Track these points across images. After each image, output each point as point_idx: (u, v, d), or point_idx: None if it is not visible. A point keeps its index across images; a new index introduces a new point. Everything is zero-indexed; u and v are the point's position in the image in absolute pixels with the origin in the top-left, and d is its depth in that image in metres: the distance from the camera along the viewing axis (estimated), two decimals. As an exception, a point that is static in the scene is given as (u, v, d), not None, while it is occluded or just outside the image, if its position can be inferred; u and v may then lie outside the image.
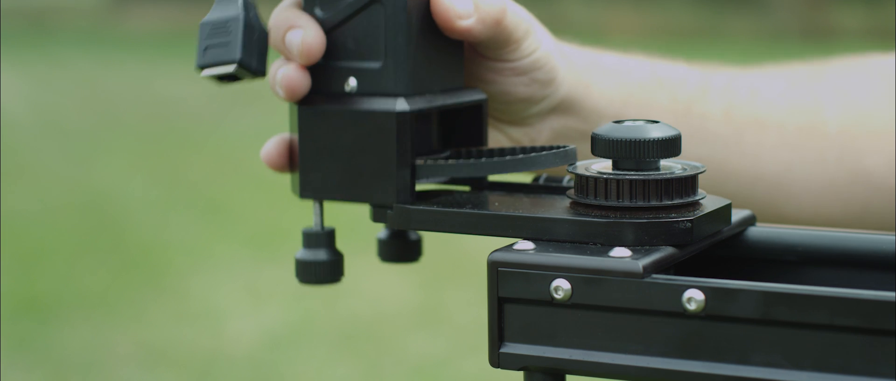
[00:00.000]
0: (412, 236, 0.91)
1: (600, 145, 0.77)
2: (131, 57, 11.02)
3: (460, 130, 0.87)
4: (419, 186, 0.83)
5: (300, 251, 0.86)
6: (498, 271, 0.73)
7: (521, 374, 0.76)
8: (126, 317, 4.13)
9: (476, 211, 0.79)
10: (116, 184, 6.06)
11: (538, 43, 0.90)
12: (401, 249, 0.91)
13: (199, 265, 4.65)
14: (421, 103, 0.81)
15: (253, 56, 0.80)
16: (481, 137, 0.87)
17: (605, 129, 0.77)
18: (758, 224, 0.83)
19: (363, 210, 0.90)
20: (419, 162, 0.82)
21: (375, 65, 0.81)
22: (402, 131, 0.80)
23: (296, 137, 0.85)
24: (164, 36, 12.77)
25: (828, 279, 0.80)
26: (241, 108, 8.32)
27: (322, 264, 0.85)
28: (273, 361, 3.72)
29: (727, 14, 11.83)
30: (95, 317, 4.13)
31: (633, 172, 0.76)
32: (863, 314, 0.66)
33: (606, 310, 0.71)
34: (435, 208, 0.80)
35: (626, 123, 0.77)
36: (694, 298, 0.69)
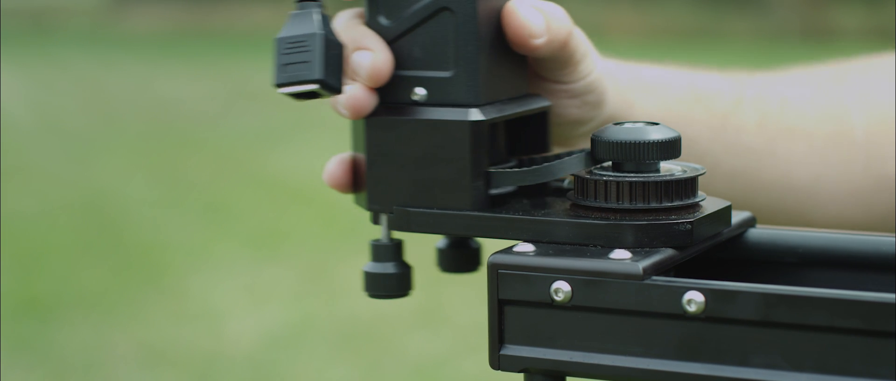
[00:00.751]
0: (473, 244, 0.89)
1: (600, 147, 0.77)
2: (131, 57, 11.02)
3: (525, 137, 0.86)
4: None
5: (368, 264, 0.84)
6: (498, 273, 0.73)
7: (521, 376, 0.76)
8: (126, 317, 4.13)
9: (476, 213, 0.79)
10: (116, 184, 6.06)
11: (593, 66, 0.89)
12: (461, 259, 0.89)
13: (199, 265, 4.65)
14: (493, 112, 0.80)
15: (332, 74, 0.78)
16: (545, 144, 0.86)
17: (605, 131, 0.77)
18: (758, 226, 0.83)
19: (363, 210, 0.90)
20: (492, 170, 0.80)
21: (446, 74, 0.80)
22: (476, 141, 0.79)
23: (359, 155, 0.83)
24: (164, 36, 12.77)
25: (827, 281, 0.80)
26: (240, 108, 8.32)
27: (391, 277, 0.83)
28: (273, 361, 3.72)
29: (727, 14, 11.83)
30: (95, 317, 4.13)
31: (633, 175, 0.76)
32: (863, 316, 0.66)
33: (606, 312, 0.71)
34: (434, 210, 0.80)
35: (626, 125, 0.77)
36: (694, 300, 0.69)
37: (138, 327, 4.04)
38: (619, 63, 0.97)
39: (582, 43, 0.87)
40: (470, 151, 0.79)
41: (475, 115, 0.79)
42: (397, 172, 0.81)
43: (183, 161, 6.56)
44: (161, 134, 7.39)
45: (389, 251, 0.83)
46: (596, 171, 0.78)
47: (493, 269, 0.73)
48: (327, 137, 6.94)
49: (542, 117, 0.85)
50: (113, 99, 8.75)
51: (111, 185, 6.04)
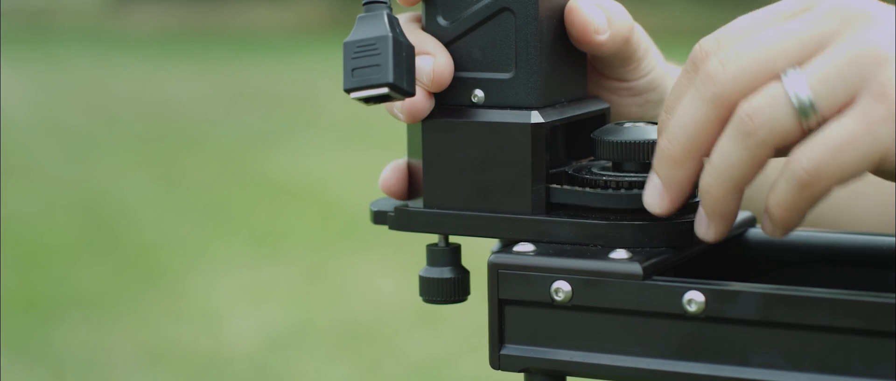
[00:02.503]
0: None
1: (601, 147, 0.77)
2: (131, 57, 11.03)
3: (583, 140, 0.84)
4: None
5: (424, 268, 0.82)
6: (498, 272, 0.73)
7: (521, 376, 0.76)
8: (125, 317, 4.14)
9: (476, 213, 0.79)
10: (116, 184, 6.06)
11: (654, 62, 0.88)
12: None
13: (199, 265, 4.66)
14: (553, 115, 0.79)
15: (403, 77, 0.77)
16: None
17: (606, 130, 0.77)
18: (758, 226, 0.83)
19: (364, 210, 0.89)
20: (552, 172, 0.79)
21: (505, 76, 0.79)
22: (536, 144, 0.77)
23: (414, 161, 0.82)
24: (164, 36, 12.78)
25: (828, 280, 0.80)
26: (240, 108, 8.33)
27: (447, 282, 0.82)
28: (272, 361, 3.72)
29: (727, 14, 11.80)
30: (95, 317, 4.13)
31: (633, 174, 0.76)
32: (863, 316, 0.66)
33: (607, 312, 0.71)
34: (435, 209, 0.80)
35: (626, 125, 0.77)
36: (694, 299, 0.68)
37: (138, 327, 4.04)
38: (677, 66, 0.96)
39: (643, 39, 0.87)
40: (531, 154, 0.77)
41: (536, 117, 0.78)
42: (455, 174, 0.79)
43: (183, 161, 6.56)
44: (161, 134, 7.39)
45: (446, 256, 0.82)
46: (596, 171, 0.78)
47: (494, 269, 0.73)
48: (327, 137, 6.95)
49: (600, 120, 0.84)
50: (113, 99, 8.76)
51: (111, 185, 6.05)
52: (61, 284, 4.48)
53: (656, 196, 0.73)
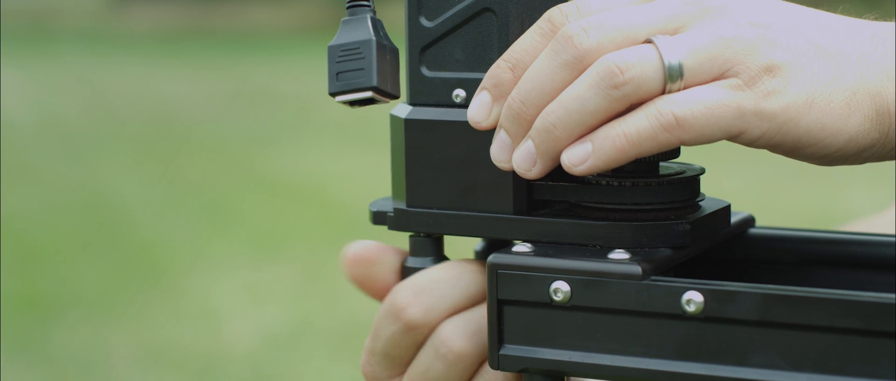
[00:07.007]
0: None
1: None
2: (131, 57, 11.03)
3: None
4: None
5: (409, 259, 0.83)
6: (497, 273, 0.73)
7: (520, 375, 0.76)
8: (125, 317, 4.14)
9: (475, 213, 0.79)
10: (116, 184, 6.06)
11: None
12: None
13: (199, 265, 4.65)
14: None
15: (387, 79, 0.78)
16: None
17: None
18: (757, 226, 0.83)
19: (364, 210, 0.89)
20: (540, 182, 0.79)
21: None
22: None
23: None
24: (164, 36, 12.78)
25: (827, 280, 0.80)
26: (240, 108, 8.33)
27: None
28: (272, 361, 3.72)
29: (727, 14, 11.80)
30: (95, 317, 4.13)
31: (632, 175, 0.76)
32: (862, 316, 0.66)
33: (606, 312, 0.71)
34: (434, 210, 0.80)
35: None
36: (693, 300, 0.69)
37: (138, 327, 4.04)
38: None
39: None
40: None
41: None
42: (437, 173, 0.80)
43: (183, 161, 6.56)
44: (161, 134, 7.39)
45: (428, 246, 0.83)
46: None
47: (493, 269, 0.73)
48: (327, 137, 6.95)
49: None
50: (113, 99, 8.76)
51: (111, 185, 6.05)
52: (61, 284, 4.48)
53: (505, 151, 0.74)
